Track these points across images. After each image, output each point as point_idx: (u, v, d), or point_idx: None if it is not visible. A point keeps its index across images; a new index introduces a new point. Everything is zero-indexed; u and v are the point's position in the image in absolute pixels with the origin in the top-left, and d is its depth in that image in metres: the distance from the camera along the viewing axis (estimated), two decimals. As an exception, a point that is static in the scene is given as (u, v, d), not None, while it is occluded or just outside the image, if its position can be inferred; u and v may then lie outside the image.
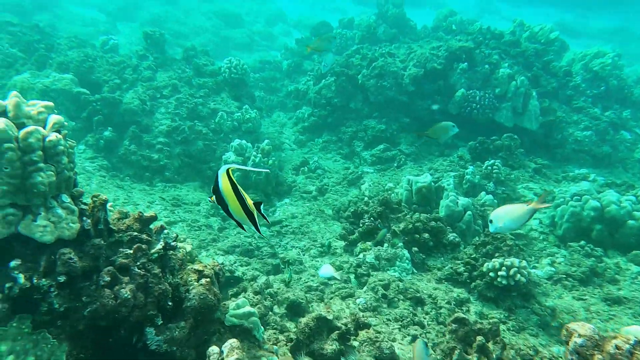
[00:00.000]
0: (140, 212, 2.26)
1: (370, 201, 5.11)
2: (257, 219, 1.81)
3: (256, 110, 8.75)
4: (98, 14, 16.19)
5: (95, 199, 2.13)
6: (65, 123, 1.97)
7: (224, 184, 1.77)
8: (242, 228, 1.96)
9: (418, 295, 3.81)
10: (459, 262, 4.14)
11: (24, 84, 7.18)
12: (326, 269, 3.97)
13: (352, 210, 5.13)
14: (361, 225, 4.82)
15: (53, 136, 1.86)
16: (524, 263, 3.73)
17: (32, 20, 13.65)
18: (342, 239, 5.25)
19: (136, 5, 17.40)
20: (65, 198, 1.96)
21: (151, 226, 2.43)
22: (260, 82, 11.81)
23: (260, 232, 1.97)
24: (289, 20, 19.12)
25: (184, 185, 7.62)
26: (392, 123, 8.50)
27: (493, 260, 3.79)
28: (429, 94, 8.19)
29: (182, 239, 2.83)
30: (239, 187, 1.79)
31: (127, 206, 5.82)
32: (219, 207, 1.87)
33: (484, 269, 3.81)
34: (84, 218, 2.00)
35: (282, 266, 4.98)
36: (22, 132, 1.77)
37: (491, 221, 2.84)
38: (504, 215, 2.76)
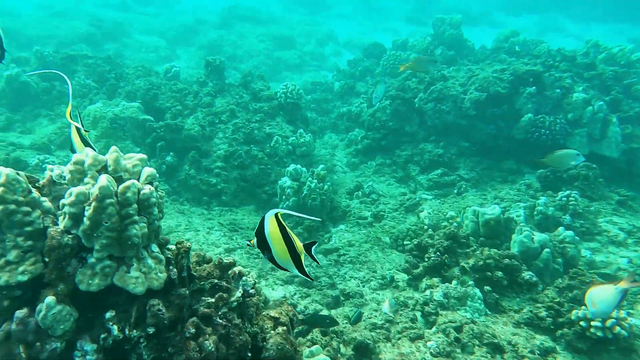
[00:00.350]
0: (220, 259, 2.29)
1: (436, 234, 4.95)
2: (304, 261, 1.75)
3: (310, 134, 8.84)
4: (159, 40, 17.25)
5: (180, 246, 2.19)
6: (157, 175, 2.05)
7: (272, 228, 1.73)
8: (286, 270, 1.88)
9: (496, 341, 3.59)
10: (540, 305, 3.87)
11: (97, 113, 7.73)
12: (388, 306, 3.88)
13: (416, 243, 4.98)
14: (426, 259, 4.66)
15: (147, 189, 1.93)
16: (623, 313, 3.42)
17: (103, 48, 14.81)
18: (405, 272, 5.10)
19: (194, 31, 18.39)
20: (154, 247, 2.02)
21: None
22: (311, 103, 11.98)
23: (309, 277, 1.85)
24: (340, 41, 19.38)
25: (240, 209, 7.80)
26: (450, 147, 8.28)
27: (583, 307, 3.50)
28: (491, 118, 7.91)
29: (246, 271, 2.85)
30: (288, 230, 1.74)
31: (188, 232, 6.03)
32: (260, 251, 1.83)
33: (573, 317, 3.53)
34: (170, 267, 2.05)
35: (343, 299, 4.91)
36: (121, 186, 1.85)
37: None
38: (597, 301, 2.70)
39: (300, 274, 1.82)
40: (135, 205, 1.89)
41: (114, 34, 16.08)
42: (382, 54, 11.66)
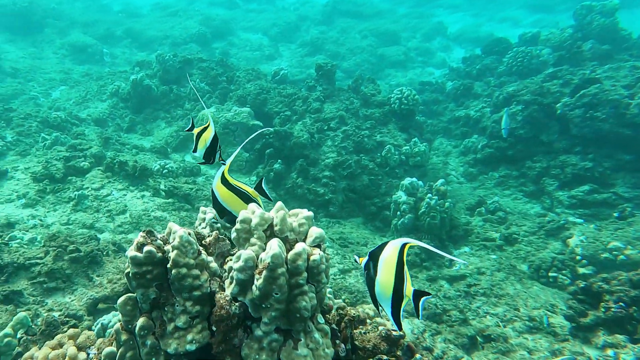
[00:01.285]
0: (389, 330, 2.06)
1: (614, 279, 4.25)
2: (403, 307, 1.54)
3: (426, 144, 8.40)
4: (262, 38, 17.89)
5: (342, 312, 2.01)
6: (325, 235, 1.88)
7: (390, 256, 1.55)
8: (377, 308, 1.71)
9: None
10: None
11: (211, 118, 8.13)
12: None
13: (583, 286, 4.34)
14: (603, 309, 4.04)
15: (316, 254, 1.77)
16: None
17: (211, 47, 15.74)
18: (570, 320, 4.44)
19: (296, 27, 18.76)
20: (321, 318, 1.86)
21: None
22: (420, 105, 11.45)
23: (400, 327, 1.59)
24: (449, 34, 18.38)
25: (348, 222, 7.66)
26: (602, 160, 7.24)
27: None
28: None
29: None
30: (405, 268, 1.55)
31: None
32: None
33: None
34: (337, 341, 1.87)
35: (481, 340, 4.48)
36: (292, 253, 1.71)
37: None
38: None
39: (392, 320, 1.56)
40: (305, 274, 1.74)
41: (221, 32, 17.02)
42: (507, 50, 10.70)
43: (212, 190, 1.95)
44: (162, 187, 6.09)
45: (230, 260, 1.83)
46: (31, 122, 7.59)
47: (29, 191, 5.66)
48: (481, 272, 5.80)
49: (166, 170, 6.62)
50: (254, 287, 1.71)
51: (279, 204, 1.90)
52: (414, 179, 7.24)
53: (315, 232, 1.86)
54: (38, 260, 3.88)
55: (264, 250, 1.74)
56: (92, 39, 14.99)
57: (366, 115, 8.73)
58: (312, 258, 1.77)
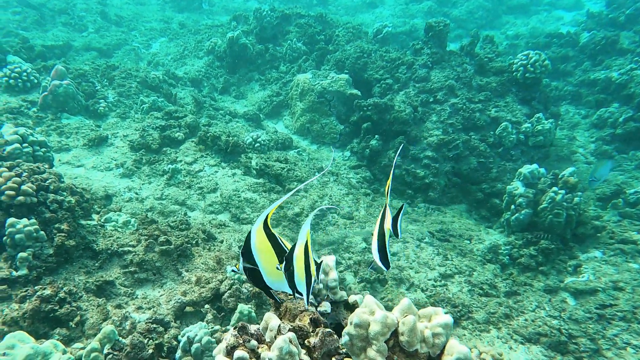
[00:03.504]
0: None
1: None
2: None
3: (552, 120, 7.23)
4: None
5: None
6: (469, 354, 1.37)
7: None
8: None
9: None
10: None
11: (305, 85, 7.70)
12: None
13: None
14: None
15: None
16: None
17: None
18: None
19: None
20: None
21: None
22: (549, 71, 9.90)
23: (307, 304, 1.52)
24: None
25: (449, 209, 6.99)
26: None
27: None
28: None
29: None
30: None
31: (396, 244, 5.55)
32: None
33: None
34: None
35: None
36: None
37: None
38: None
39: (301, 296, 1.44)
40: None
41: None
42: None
43: (250, 232, 1.56)
44: (253, 164, 5.90)
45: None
46: (131, 82, 7.78)
47: (127, 160, 5.79)
48: (618, 288, 4.87)
49: (258, 144, 6.42)
50: None
51: (406, 302, 1.42)
52: (535, 167, 6.28)
53: (457, 349, 1.37)
54: (130, 249, 3.88)
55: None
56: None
57: (480, 85, 7.69)
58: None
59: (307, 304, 1.53)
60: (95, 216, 4.42)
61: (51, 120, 6.17)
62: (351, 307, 2.19)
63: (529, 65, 7.41)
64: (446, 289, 4.87)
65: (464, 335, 4.30)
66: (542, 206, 6.05)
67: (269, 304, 3.71)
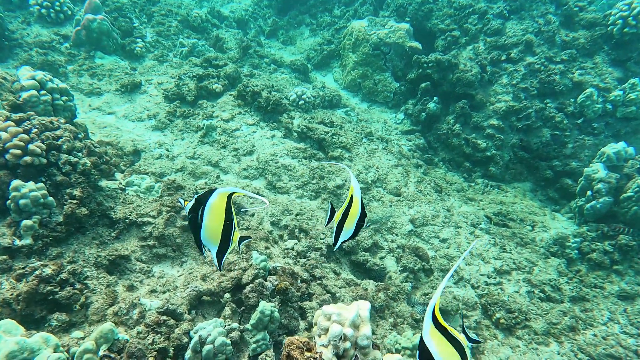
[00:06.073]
0: None
1: None
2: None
3: (651, 90, 6.03)
4: None
5: None
6: None
7: (217, 202, 1.65)
8: (201, 252, 1.86)
9: None
10: None
11: (359, 34, 6.79)
12: None
13: None
14: None
15: None
16: None
17: None
18: None
19: None
20: None
21: None
22: None
23: (220, 268, 1.75)
24: None
25: (511, 187, 6.15)
26: None
27: None
28: None
29: None
30: (234, 215, 1.69)
31: (446, 229, 4.85)
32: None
33: None
34: None
35: None
36: None
37: None
38: None
39: (216, 262, 1.72)
40: None
41: None
42: None
43: (422, 339, 1.29)
44: (295, 126, 5.27)
45: None
46: (171, 21, 7.17)
47: (160, 112, 5.33)
48: None
49: (302, 102, 5.74)
50: None
51: None
52: (622, 146, 5.30)
53: None
54: (151, 219, 3.47)
55: None
56: None
57: (565, 41, 6.49)
58: None
59: (220, 269, 1.79)
60: (119, 176, 4.03)
61: (84, 59, 5.74)
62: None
63: (630, 18, 6.10)
64: (501, 289, 4.21)
65: (518, 347, 3.70)
66: (627, 195, 5.14)
67: (295, 301, 3.26)
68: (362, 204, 1.85)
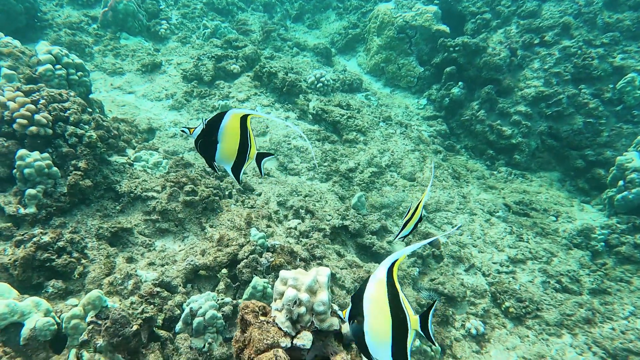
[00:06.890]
0: None
1: None
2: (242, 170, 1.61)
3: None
4: None
5: None
6: None
7: (232, 122, 1.56)
8: (214, 170, 1.76)
9: None
10: None
11: (385, 17, 6.58)
12: None
13: None
14: None
15: None
16: None
17: None
18: None
19: None
20: None
21: None
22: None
23: (239, 182, 1.71)
24: None
25: (536, 176, 5.83)
26: None
27: None
28: None
29: None
30: (250, 133, 1.59)
31: (461, 215, 4.64)
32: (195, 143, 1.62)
33: None
34: None
35: None
36: None
37: None
38: None
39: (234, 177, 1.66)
40: None
41: None
42: None
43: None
44: (310, 108, 5.17)
45: None
46: (196, 3, 7.19)
47: (177, 92, 5.36)
48: None
49: (321, 84, 5.63)
50: None
51: None
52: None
53: None
54: (155, 194, 3.49)
55: None
56: None
57: (608, 23, 6.06)
58: None
59: (240, 183, 1.91)
60: (130, 152, 4.07)
61: (109, 40, 5.84)
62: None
63: (681, 0, 5.61)
64: (513, 277, 3.98)
65: (527, 337, 3.49)
66: (665, 188, 4.76)
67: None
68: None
